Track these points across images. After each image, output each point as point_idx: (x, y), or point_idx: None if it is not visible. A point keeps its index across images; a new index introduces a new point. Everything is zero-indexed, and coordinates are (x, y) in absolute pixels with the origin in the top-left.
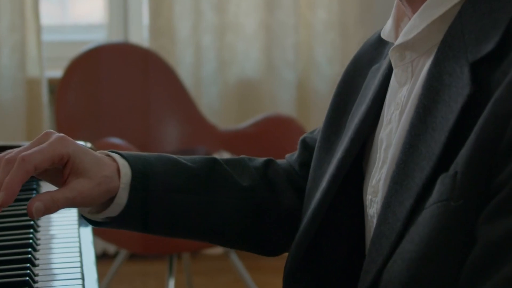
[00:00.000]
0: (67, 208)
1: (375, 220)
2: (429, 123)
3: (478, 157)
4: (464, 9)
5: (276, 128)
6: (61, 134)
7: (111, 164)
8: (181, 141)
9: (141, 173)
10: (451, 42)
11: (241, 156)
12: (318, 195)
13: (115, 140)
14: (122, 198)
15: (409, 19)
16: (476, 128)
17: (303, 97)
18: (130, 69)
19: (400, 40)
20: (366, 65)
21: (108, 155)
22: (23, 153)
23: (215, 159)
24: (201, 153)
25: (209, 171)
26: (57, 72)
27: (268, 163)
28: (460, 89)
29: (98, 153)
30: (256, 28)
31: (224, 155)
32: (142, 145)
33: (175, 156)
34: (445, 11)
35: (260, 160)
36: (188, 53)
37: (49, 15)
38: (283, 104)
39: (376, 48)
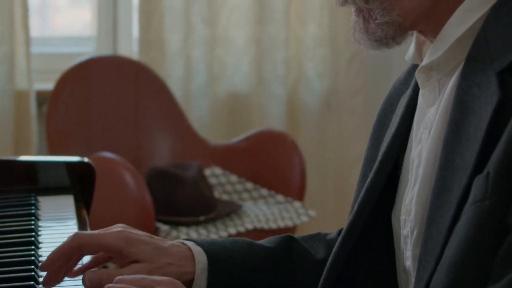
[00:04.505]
0: (67, 225)
1: (409, 241)
2: (462, 135)
3: (509, 155)
4: (487, 24)
5: (268, 143)
6: (122, 229)
7: (181, 252)
8: (172, 155)
9: (217, 257)
10: (476, 55)
11: (318, 232)
12: (349, 218)
13: (107, 154)
14: (200, 284)
15: (431, 42)
16: (507, 130)
17: (293, 111)
18: (121, 82)
19: (425, 61)
20: (396, 100)
21: (183, 244)
22: (79, 231)
23: (290, 237)
24: (193, 167)
25: (286, 249)
26: (45, 85)
27: None
28: (489, 97)
29: (170, 242)
30: (247, 42)
31: (216, 170)
32: (134, 159)
33: (249, 240)
34: (467, 28)
35: (336, 232)
36: (178, 66)
37: (32, 27)
38: (273, 118)
39: (404, 83)
